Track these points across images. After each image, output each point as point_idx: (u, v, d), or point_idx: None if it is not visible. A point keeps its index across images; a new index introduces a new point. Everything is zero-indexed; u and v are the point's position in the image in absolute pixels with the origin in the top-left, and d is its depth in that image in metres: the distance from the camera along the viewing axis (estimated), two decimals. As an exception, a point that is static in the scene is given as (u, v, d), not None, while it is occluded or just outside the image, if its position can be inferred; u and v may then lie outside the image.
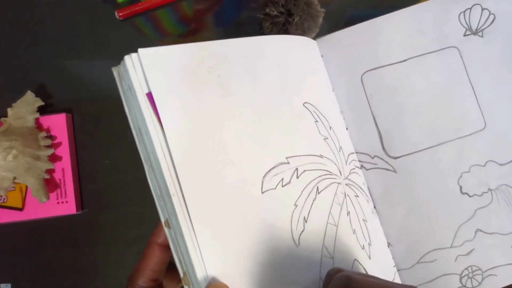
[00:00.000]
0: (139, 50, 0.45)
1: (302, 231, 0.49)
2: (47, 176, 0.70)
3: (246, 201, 0.47)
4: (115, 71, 0.48)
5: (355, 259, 0.53)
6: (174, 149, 0.44)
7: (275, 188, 0.49)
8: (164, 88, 0.45)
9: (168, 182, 0.43)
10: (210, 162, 0.46)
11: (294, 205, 0.50)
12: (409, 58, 0.64)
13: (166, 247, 0.49)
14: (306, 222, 0.50)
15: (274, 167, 0.49)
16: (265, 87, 0.52)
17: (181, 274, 0.44)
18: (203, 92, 0.48)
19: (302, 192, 0.51)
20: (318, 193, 0.52)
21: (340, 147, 0.58)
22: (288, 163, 0.51)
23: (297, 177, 0.51)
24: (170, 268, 0.51)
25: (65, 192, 0.72)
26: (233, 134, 0.48)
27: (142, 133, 0.46)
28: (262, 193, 0.48)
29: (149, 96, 0.45)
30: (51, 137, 0.73)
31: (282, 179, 0.50)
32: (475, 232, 0.61)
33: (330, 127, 0.58)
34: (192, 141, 0.45)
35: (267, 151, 0.50)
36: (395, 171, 0.62)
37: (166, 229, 0.45)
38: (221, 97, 0.48)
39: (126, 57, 0.45)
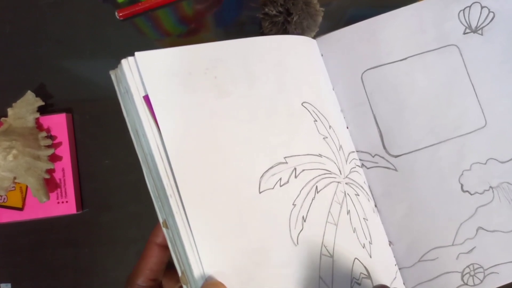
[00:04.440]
0: (136, 53, 0.46)
1: (301, 230, 0.49)
2: (47, 176, 0.70)
3: (243, 201, 0.47)
4: (112, 74, 0.48)
5: (356, 258, 0.53)
6: (171, 151, 0.44)
7: (273, 188, 0.49)
8: (161, 90, 0.45)
9: (165, 183, 0.44)
10: (206, 163, 0.46)
11: (293, 204, 0.50)
12: (409, 56, 0.63)
13: (165, 247, 0.49)
14: (305, 221, 0.50)
15: (272, 167, 0.49)
16: (262, 87, 0.52)
17: (180, 273, 0.44)
18: (200, 94, 0.48)
19: (300, 192, 0.51)
20: (317, 192, 0.52)
21: (340, 146, 0.58)
22: (286, 162, 0.51)
23: (296, 177, 0.51)
24: (169, 267, 0.51)
25: (65, 192, 0.72)
26: (230, 135, 0.48)
27: (139, 135, 0.46)
28: (260, 193, 0.48)
29: (146, 99, 0.45)
30: (51, 137, 0.73)
31: (280, 178, 0.50)
32: (477, 230, 0.61)
33: (330, 126, 0.57)
34: (189, 143, 0.45)
35: (265, 151, 0.50)
36: (396, 170, 0.62)
37: (164, 229, 0.46)
38: (218, 98, 0.48)
39: (123, 61, 0.46)
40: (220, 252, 0.44)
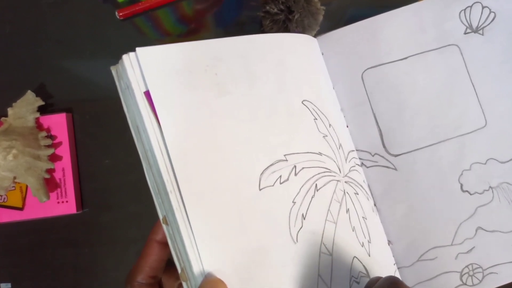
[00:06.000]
0: (137, 49, 0.46)
1: (300, 228, 0.49)
2: (47, 176, 0.70)
3: (243, 198, 0.47)
4: (113, 70, 0.48)
5: (355, 256, 0.53)
6: (171, 147, 0.44)
7: (273, 185, 0.49)
8: (161, 86, 0.45)
9: (166, 179, 0.44)
10: (207, 159, 0.46)
11: (292, 202, 0.50)
12: (409, 56, 0.64)
13: (165, 244, 0.49)
14: (304, 219, 0.50)
15: (272, 165, 0.49)
16: (263, 85, 0.52)
17: (179, 270, 0.44)
18: (200, 91, 0.48)
19: (300, 189, 0.51)
20: (317, 190, 0.52)
21: (340, 145, 0.58)
22: (286, 160, 0.51)
23: (295, 175, 0.51)
24: (169, 265, 0.51)
25: (65, 192, 0.72)
26: (230, 134, 0.48)
27: (140, 131, 0.46)
28: (260, 190, 0.48)
29: (147, 94, 0.45)
30: (51, 136, 0.73)
31: (280, 176, 0.50)
32: (476, 230, 0.61)
33: (330, 125, 0.57)
34: (189, 139, 0.45)
35: (265, 149, 0.50)
36: (395, 169, 0.62)
37: (164, 226, 0.46)
38: (218, 96, 0.48)
39: (124, 56, 0.46)
40: (220, 249, 0.44)
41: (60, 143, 0.73)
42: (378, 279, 0.44)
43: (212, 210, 0.44)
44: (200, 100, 0.47)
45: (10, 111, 0.71)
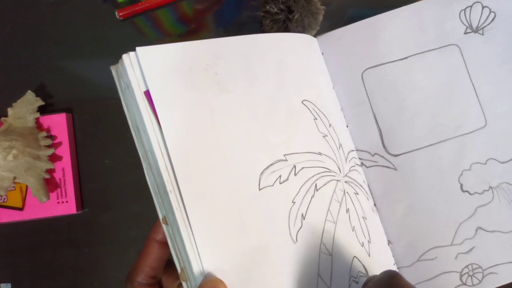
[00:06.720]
0: (137, 48, 0.46)
1: (300, 228, 0.49)
2: (47, 176, 0.70)
3: (243, 197, 0.47)
4: (113, 69, 0.48)
5: (354, 256, 0.53)
6: (171, 146, 0.44)
7: (273, 185, 0.49)
8: (161, 86, 0.45)
9: (166, 179, 0.44)
10: (207, 160, 0.46)
11: (292, 202, 0.50)
12: (409, 56, 0.63)
13: (165, 244, 0.49)
14: (304, 219, 0.50)
15: (271, 164, 0.49)
16: (263, 85, 0.52)
17: (179, 270, 0.44)
18: (200, 90, 0.48)
19: (300, 189, 0.51)
20: (317, 190, 0.52)
21: (340, 145, 0.58)
22: (286, 160, 0.50)
23: (295, 174, 0.51)
24: (169, 265, 0.51)
25: (65, 192, 0.72)
26: (230, 132, 0.48)
27: (140, 131, 0.46)
28: (259, 190, 0.48)
29: (147, 94, 0.45)
30: (51, 136, 0.73)
31: (280, 176, 0.49)
32: (476, 230, 0.61)
33: (330, 125, 0.57)
34: (189, 139, 0.45)
35: (265, 148, 0.50)
36: (395, 169, 0.62)
37: (164, 226, 0.45)
38: (218, 95, 0.48)
39: (124, 56, 0.45)
40: (220, 249, 0.44)
41: (60, 143, 0.73)
42: (374, 277, 0.44)
43: (212, 210, 0.44)
44: (200, 99, 0.47)
45: (10, 111, 0.71)
